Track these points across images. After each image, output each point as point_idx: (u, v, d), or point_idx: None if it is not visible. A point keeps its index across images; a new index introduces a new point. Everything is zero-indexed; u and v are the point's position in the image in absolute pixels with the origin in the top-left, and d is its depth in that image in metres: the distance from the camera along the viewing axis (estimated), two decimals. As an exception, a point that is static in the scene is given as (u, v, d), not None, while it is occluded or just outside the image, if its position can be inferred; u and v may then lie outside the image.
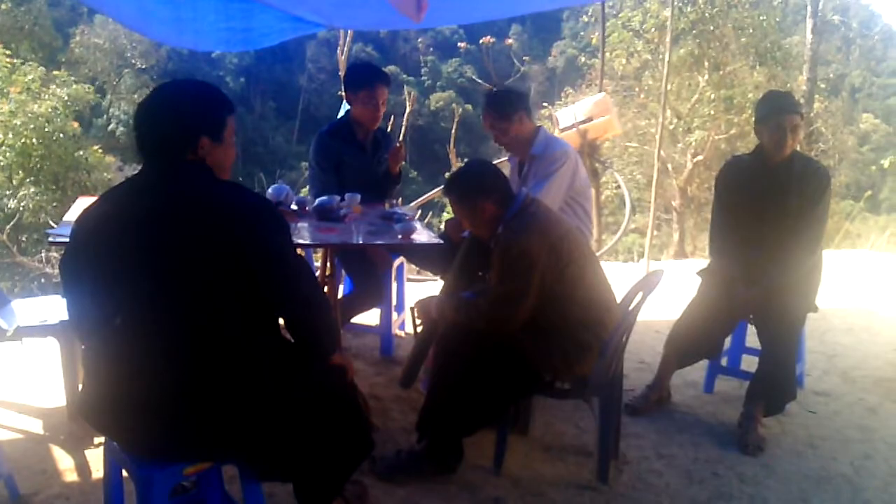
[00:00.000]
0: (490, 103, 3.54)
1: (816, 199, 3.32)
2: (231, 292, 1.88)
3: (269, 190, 3.41)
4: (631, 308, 2.77)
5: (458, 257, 3.12)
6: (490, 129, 3.54)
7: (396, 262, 4.02)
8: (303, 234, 3.04)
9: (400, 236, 3.10)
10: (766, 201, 3.37)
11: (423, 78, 47.55)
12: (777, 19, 16.37)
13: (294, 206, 3.41)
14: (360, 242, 3.11)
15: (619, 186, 11.95)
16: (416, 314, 3.07)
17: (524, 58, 21.59)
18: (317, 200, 3.36)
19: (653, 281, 2.86)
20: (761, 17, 15.36)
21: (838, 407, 3.66)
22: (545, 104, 16.35)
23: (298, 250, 2.26)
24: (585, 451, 3.06)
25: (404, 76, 44.96)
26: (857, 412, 3.61)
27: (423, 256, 3.86)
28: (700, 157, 15.66)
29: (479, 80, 18.30)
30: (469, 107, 33.46)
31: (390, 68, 45.02)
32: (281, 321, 2.06)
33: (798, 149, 3.42)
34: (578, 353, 2.68)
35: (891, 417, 3.55)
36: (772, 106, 3.30)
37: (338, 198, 3.39)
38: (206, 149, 1.95)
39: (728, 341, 3.70)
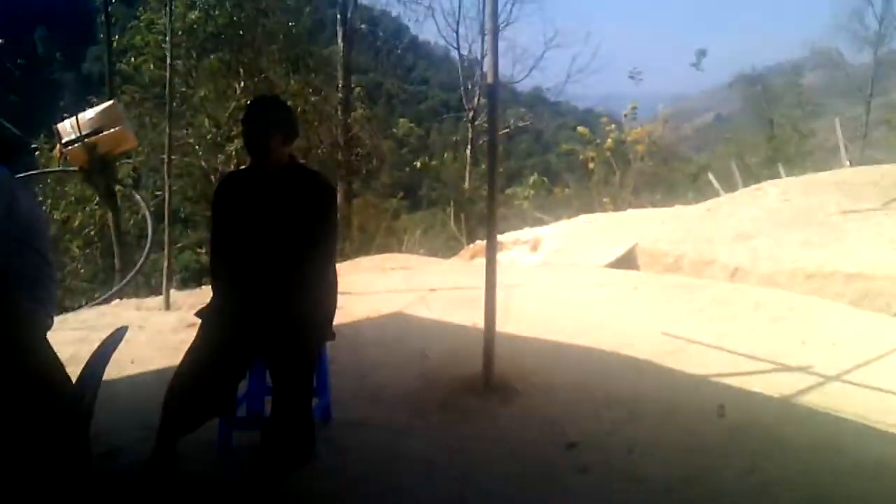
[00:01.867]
0: None
1: (320, 217, 3.01)
2: None
3: None
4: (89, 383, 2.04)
5: None
6: None
7: None
8: None
9: None
10: (266, 222, 2.96)
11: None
12: (307, 27, 16.71)
13: None
14: None
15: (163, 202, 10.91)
16: None
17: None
18: None
19: (115, 339, 2.17)
20: (290, 25, 15.49)
21: (367, 436, 3.35)
22: (66, 116, 14.39)
23: None
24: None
25: None
26: (385, 438, 3.34)
27: None
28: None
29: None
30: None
31: None
32: None
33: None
34: None
35: (417, 441, 3.33)
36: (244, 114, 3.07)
37: None
38: None
39: (243, 385, 3.14)
